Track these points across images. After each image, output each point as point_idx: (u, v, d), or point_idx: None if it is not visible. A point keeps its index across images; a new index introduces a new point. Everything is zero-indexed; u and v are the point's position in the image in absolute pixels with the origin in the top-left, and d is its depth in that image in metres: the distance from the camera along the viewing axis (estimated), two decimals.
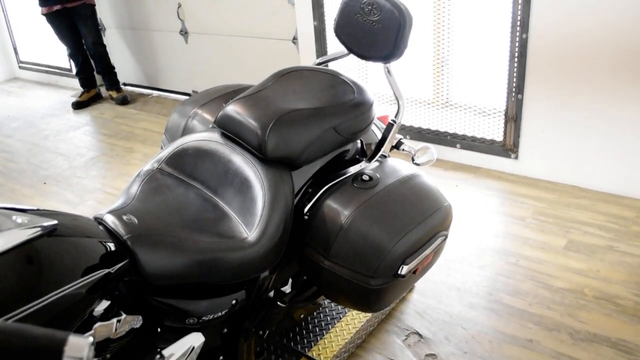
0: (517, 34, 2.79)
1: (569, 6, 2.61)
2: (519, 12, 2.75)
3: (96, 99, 5.04)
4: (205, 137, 1.61)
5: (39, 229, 1.11)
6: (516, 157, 3.06)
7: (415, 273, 1.61)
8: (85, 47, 4.78)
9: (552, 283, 2.26)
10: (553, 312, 2.11)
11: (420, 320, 2.14)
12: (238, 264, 1.38)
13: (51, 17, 4.58)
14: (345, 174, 1.68)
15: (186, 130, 1.86)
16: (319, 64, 2.01)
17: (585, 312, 2.10)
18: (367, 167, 1.72)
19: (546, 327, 2.05)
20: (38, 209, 1.19)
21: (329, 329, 2.06)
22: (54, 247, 1.14)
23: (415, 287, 2.29)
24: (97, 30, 4.74)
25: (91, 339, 0.69)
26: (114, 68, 4.95)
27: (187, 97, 1.97)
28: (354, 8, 1.78)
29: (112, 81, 4.95)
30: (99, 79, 5.05)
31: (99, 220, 1.31)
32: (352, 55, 1.90)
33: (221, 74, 4.45)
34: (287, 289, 1.81)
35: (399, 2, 1.70)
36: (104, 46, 4.84)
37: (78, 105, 4.92)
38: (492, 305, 2.17)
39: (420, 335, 2.07)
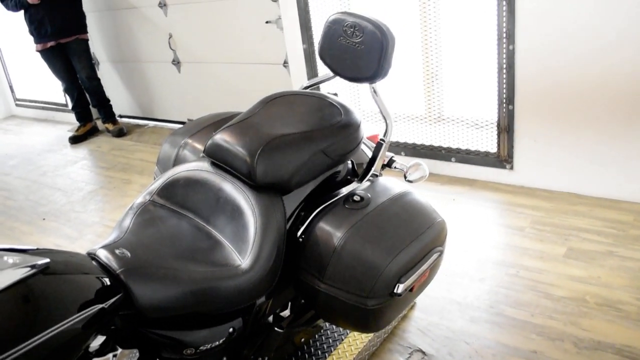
0: (504, 45, 2.82)
1: (553, 15, 2.63)
2: (504, 24, 2.77)
3: (93, 132, 5.08)
4: (195, 167, 1.62)
5: (30, 268, 1.12)
6: (511, 168, 3.07)
7: (412, 291, 1.61)
8: (80, 81, 4.83)
9: (553, 292, 2.25)
10: (556, 322, 2.10)
11: (423, 337, 2.12)
12: (233, 292, 1.38)
13: (46, 54, 4.66)
14: (336, 195, 1.68)
15: (177, 161, 1.87)
16: (306, 87, 2.03)
17: (588, 320, 2.09)
18: (358, 187, 1.72)
19: (549, 337, 2.03)
20: (28, 249, 1.20)
21: (331, 352, 2.05)
22: (47, 285, 1.14)
23: (417, 303, 2.28)
24: (91, 64, 4.81)
25: None
26: (109, 101, 5.00)
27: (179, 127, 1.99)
28: (336, 31, 1.80)
29: (107, 114, 5.00)
30: (94, 112, 5.09)
31: (92, 256, 1.32)
32: (338, 78, 1.92)
33: (215, 101, 4.48)
34: (286, 313, 1.80)
35: (380, 23, 1.72)
36: (99, 80, 4.90)
37: (75, 140, 4.96)
38: (494, 318, 2.16)
39: (423, 353, 2.05)
